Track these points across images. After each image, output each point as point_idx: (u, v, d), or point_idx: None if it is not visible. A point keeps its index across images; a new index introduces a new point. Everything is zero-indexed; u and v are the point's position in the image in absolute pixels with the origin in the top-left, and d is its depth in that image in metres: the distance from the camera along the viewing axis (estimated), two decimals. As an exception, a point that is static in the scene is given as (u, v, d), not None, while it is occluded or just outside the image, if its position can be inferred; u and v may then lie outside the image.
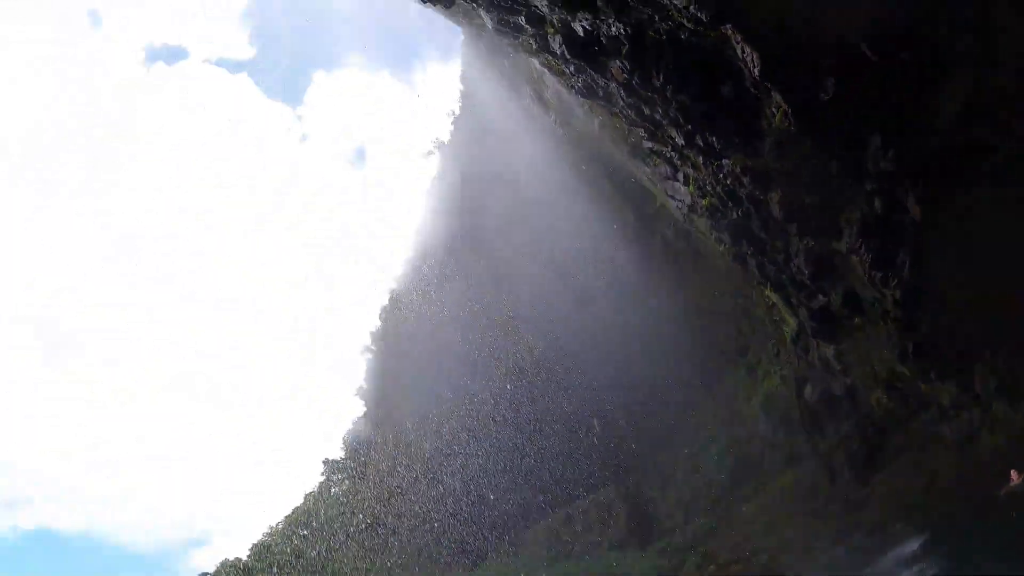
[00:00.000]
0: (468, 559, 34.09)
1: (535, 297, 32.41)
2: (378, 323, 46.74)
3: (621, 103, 19.19)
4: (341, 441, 46.54)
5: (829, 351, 18.30)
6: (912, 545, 14.21)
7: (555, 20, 17.90)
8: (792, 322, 19.37)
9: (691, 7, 12.83)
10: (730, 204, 18.00)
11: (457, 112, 39.94)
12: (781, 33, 12.09)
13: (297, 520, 43.59)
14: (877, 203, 14.23)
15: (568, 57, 19.19)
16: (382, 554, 36.90)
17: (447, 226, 38.80)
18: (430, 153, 44.27)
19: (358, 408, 46.92)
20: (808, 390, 19.76)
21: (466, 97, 38.48)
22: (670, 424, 27.20)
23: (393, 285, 46.73)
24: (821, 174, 14.92)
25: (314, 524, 41.96)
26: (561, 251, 30.97)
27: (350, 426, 46.80)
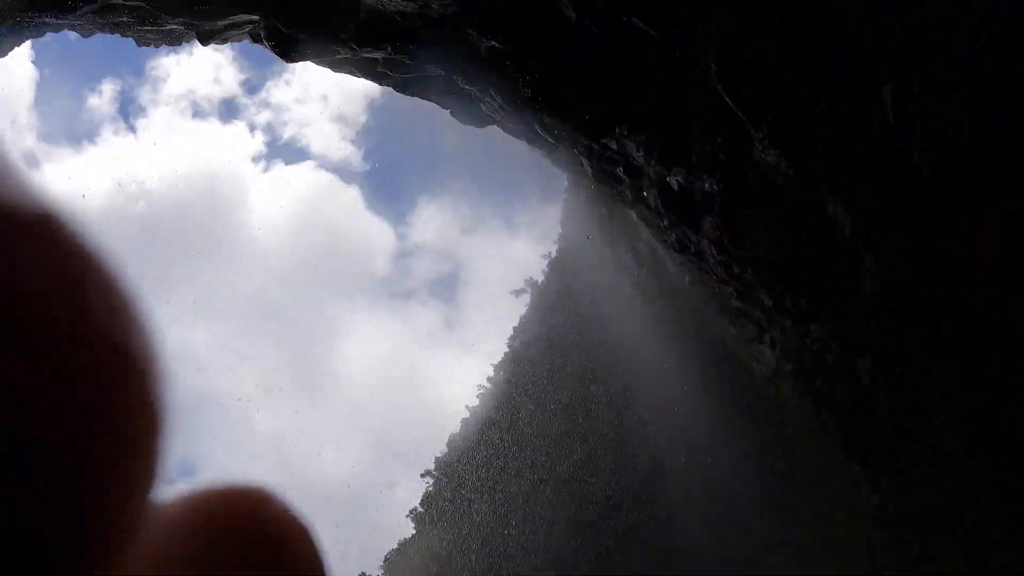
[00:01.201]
0: None
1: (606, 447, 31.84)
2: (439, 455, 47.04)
3: (712, 260, 19.09)
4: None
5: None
6: None
7: (651, 173, 18.27)
8: (874, 498, 17.88)
9: (782, 165, 12.85)
10: (816, 371, 17.23)
11: (553, 255, 40.83)
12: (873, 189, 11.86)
13: None
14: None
15: (662, 211, 19.45)
16: None
17: (526, 367, 39.07)
18: (521, 291, 45.14)
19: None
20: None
21: (564, 240, 39.45)
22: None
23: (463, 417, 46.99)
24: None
25: None
26: (638, 406, 30.39)
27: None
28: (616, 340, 30.87)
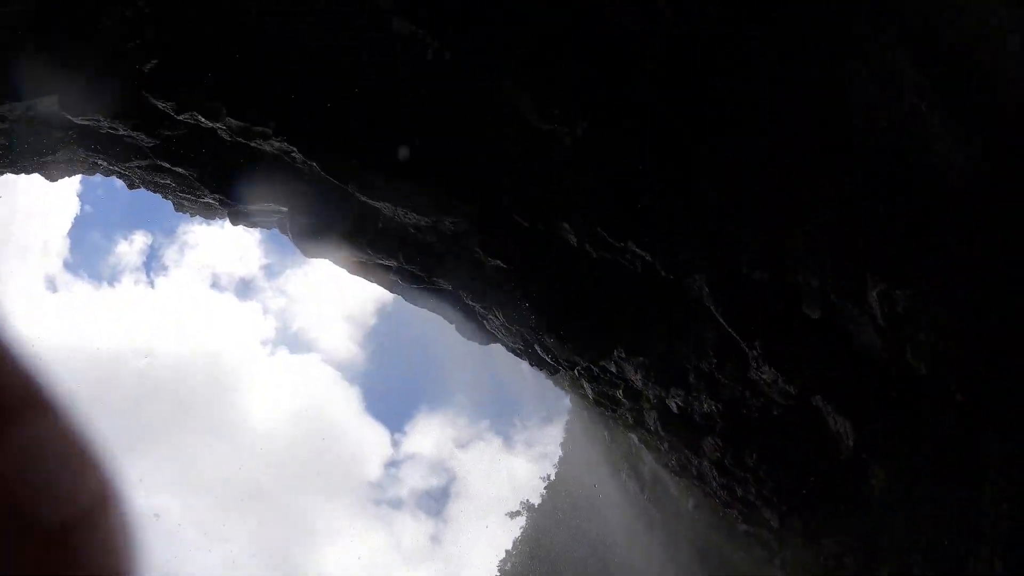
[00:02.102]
0: None
1: None
2: None
3: (714, 483, 18.68)
4: None
5: None
6: None
7: (650, 395, 18.42)
8: None
9: (779, 380, 13.01)
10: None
11: (552, 477, 39.82)
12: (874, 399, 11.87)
13: None
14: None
15: (662, 433, 19.36)
16: None
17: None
18: (516, 514, 43.44)
19: None
20: None
21: (564, 463, 38.70)
22: None
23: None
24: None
25: None
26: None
27: None
28: (618, 569, 29.28)
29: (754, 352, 13.27)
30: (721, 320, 13.45)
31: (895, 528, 13.11)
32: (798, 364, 12.71)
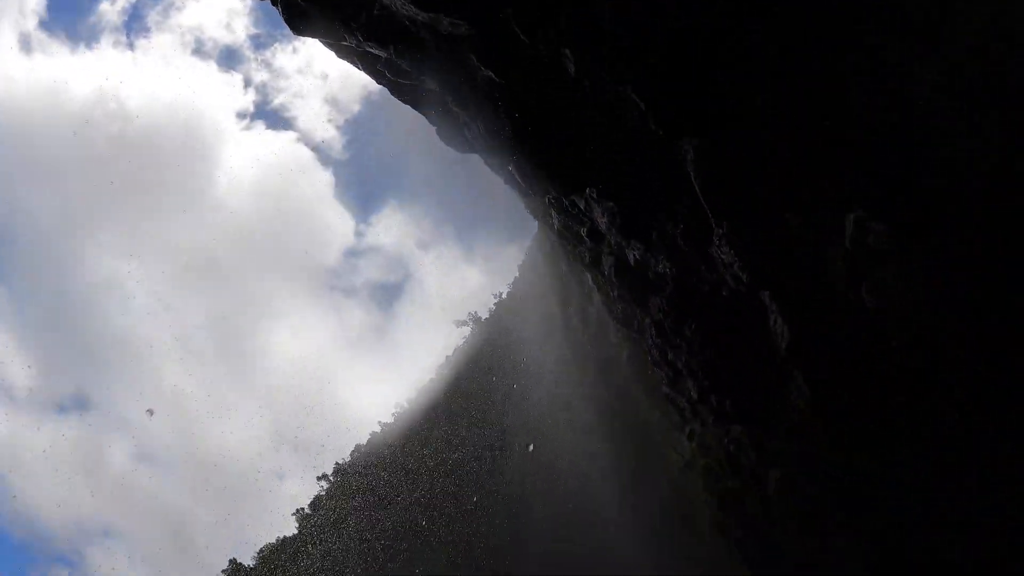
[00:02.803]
0: None
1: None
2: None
3: (651, 341, 19.09)
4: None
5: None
6: None
7: (612, 241, 18.28)
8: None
9: (735, 265, 12.89)
10: (728, 471, 17.21)
11: (504, 296, 40.81)
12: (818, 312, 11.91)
13: None
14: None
15: (615, 280, 19.46)
16: None
17: (450, 399, 38.73)
18: (463, 323, 44.93)
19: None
20: None
21: (518, 284, 39.45)
22: None
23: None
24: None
25: None
26: (547, 462, 30.23)
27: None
28: (542, 397, 30.68)
29: (720, 230, 13.01)
30: (698, 191, 13.05)
31: (808, 439, 13.61)
32: (759, 257, 12.52)
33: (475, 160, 25.25)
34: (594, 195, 17.08)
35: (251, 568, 45.76)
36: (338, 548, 39.94)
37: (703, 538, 21.96)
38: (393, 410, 47.27)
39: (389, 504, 39.16)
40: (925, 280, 9.47)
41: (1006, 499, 10.80)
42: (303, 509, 48.08)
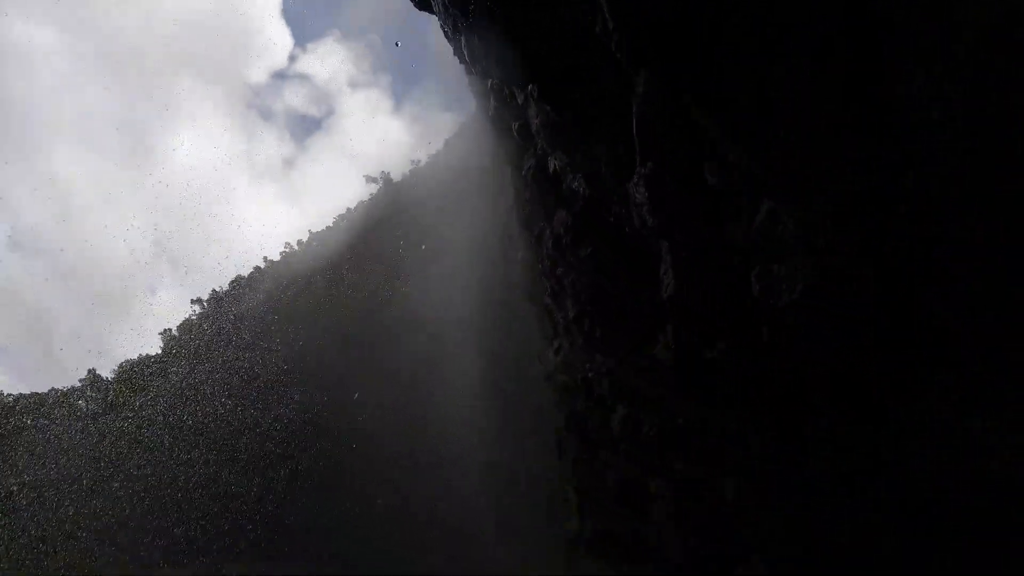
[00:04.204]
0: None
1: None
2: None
3: (546, 250, 19.06)
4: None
5: None
6: None
7: (538, 144, 17.92)
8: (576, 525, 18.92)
9: (646, 207, 12.86)
10: (582, 395, 17.84)
11: (421, 163, 39.88)
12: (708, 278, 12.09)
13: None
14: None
15: (529, 182, 19.19)
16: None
17: (340, 252, 38.12)
18: (372, 180, 43.69)
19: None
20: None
21: (439, 157, 38.56)
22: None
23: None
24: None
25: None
26: (425, 341, 30.71)
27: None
28: (435, 276, 30.56)
29: (643, 170, 12.89)
30: (634, 125, 12.78)
31: (662, 386, 14.13)
32: (671, 207, 12.53)
33: (430, 22, 23.90)
34: (535, 93, 16.50)
35: (109, 381, 44.71)
36: (199, 377, 39.54)
37: (546, 446, 22.98)
38: (282, 249, 46.19)
39: (253, 348, 38.81)
40: (816, 283, 9.70)
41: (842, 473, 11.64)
42: (171, 330, 46.98)
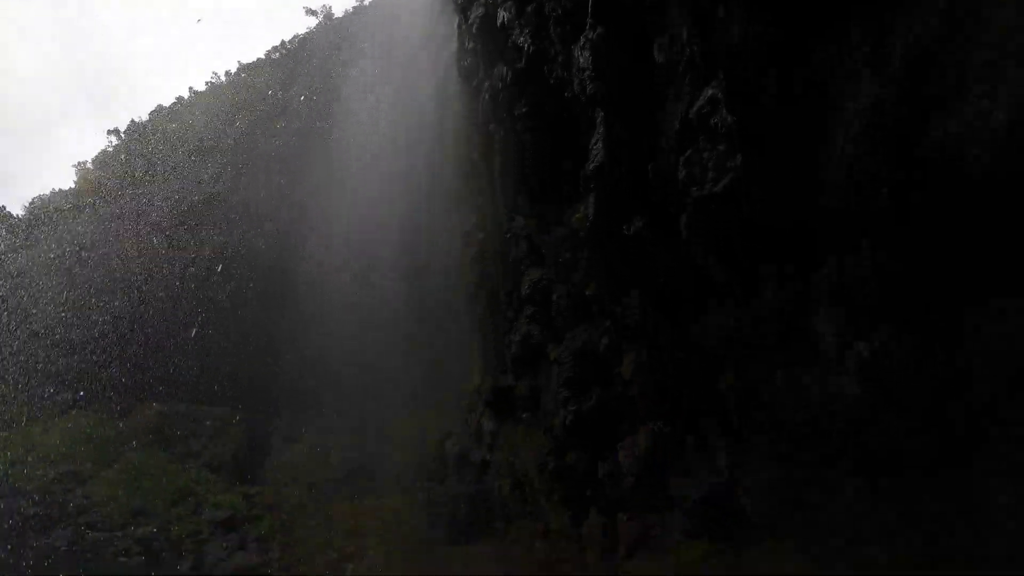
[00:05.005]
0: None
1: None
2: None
3: (482, 104, 18.62)
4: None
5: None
6: None
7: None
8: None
9: (587, 72, 12.59)
10: (497, 252, 18.07)
11: (367, 2, 37.61)
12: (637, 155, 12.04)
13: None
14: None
15: (474, 32, 18.48)
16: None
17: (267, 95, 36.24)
18: (312, 12, 41.18)
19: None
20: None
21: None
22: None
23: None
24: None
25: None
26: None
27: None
28: (367, 122, 29.66)
29: (592, 33, 12.53)
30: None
31: (576, 246, 14.23)
32: (613, 79, 12.34)
33: None
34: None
35: (18, 218, 41.94)
36: (115, 211, 37.68)
37: (455, 304, 23.32)
38: (209, 78, 43.30)
39: (169, 179, 37.00)
40: (742, 177, 9.76)
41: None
42: (85, 162, 44.07)
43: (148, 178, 38.51)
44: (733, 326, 11.33)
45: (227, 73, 43.41)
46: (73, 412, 33.80)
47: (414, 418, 28.01)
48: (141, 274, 35.46)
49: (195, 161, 37.69)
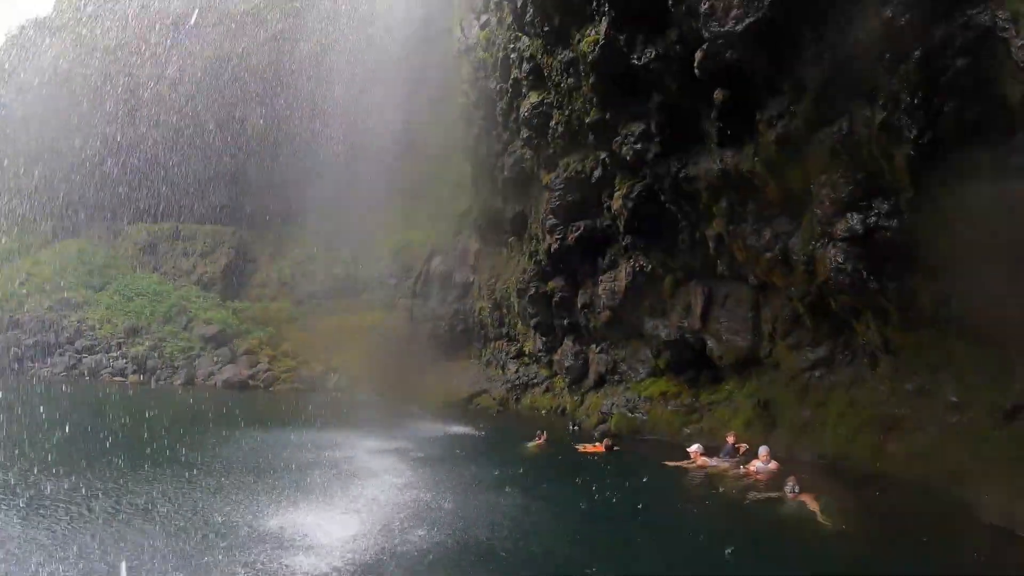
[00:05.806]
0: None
1: None
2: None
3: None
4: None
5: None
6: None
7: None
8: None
9: None
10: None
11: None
12: None
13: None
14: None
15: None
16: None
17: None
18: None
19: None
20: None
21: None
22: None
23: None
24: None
25: None
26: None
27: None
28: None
29: None
30: None
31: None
32: None
33: None
34: None
35: None
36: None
37: (454, 122, 22.74)
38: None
39: None
40: (763, 17, 9.23)
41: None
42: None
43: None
44: (721, 172, 11.17)
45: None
46: (63, 241, 33.92)
47: (402, 235, 28.35)
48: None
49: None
